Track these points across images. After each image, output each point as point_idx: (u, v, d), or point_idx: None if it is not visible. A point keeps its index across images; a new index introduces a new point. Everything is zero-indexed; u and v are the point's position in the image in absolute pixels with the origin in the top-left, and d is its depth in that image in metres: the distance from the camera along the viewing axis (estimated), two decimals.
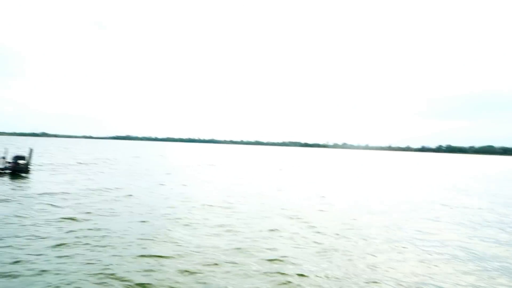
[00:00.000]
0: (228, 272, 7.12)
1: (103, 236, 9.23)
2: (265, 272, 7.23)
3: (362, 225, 11.78)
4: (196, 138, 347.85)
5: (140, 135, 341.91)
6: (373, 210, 14.49)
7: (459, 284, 7.00)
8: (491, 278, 7.37)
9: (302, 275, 7.14)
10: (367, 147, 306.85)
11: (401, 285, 6.78)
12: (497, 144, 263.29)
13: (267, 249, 8.71)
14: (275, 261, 7.86)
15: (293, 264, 7.72)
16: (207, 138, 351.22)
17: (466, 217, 13.61)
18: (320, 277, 7.07)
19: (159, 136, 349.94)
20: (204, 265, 7.48)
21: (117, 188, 17.76)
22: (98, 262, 7.46)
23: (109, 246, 8.47)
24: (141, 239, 9.10)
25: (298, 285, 6.70)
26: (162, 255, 8.01)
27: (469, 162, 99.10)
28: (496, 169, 60.70)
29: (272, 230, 10.53)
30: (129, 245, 8.51)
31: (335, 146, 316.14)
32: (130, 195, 15.55)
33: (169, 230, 10.04)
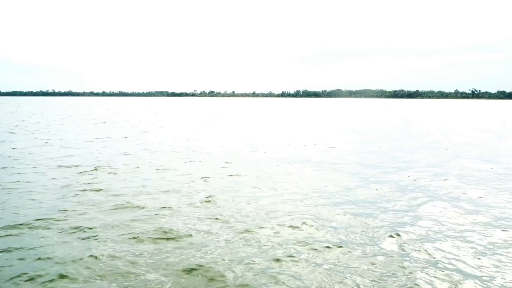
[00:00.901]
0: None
1: None
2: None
3: (238, 165, 12.35)
4: (50, 90, 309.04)
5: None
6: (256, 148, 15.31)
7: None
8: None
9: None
10: (233, 94, 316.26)
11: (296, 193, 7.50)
12: (344, 88, 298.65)
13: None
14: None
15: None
16: (63, 90, 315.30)
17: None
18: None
19: (2, 90, 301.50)
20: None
21: None
22: None
23: None
24: None
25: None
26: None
27: (324, 105, 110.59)
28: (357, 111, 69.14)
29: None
30: None
31: (202, 94, 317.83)
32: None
33: None
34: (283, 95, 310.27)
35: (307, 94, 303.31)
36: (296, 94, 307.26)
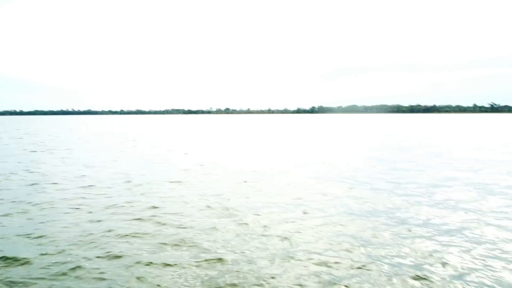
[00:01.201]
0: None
1: None
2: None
3: (255, 185, 12.15)
4: (70, 109, 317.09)
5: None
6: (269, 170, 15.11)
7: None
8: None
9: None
10: (248, 111, 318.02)
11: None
12: (360, 103, 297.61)
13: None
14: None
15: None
16: (82, 109, 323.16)
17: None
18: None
19: (25, 110, 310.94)
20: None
21: None
22: None
23: None
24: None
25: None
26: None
27: (340, 121, 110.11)
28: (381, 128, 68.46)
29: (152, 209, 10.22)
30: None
31: (218, 111, 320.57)
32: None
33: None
34: (298, 111, 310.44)
35: (323, 110, 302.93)
36: (312, 111, 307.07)
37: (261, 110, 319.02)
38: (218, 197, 11.14)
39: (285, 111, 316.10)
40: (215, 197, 11.08)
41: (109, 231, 7.98)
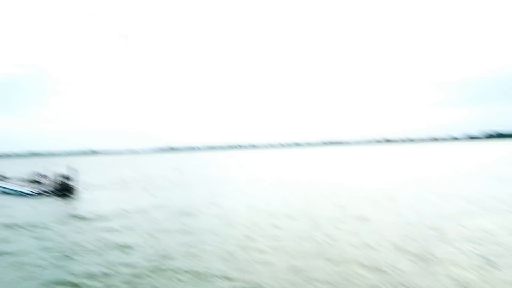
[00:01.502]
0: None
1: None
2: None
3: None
4: (236, 144, 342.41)
5: (182, 145, 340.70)
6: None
7: None
8: None
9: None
10: (409, 140, 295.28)
11: None
12: None
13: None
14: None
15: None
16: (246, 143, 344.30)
17: None
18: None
19: (200, 145, 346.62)
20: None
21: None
22: None
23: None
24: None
25: None
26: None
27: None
28: None
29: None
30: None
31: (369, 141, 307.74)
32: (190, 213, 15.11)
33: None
34: (463, 138, 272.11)
35: (499, 135, 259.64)
36: (483, 137, 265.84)
37: (422, 138, 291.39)
38: (412, 240, 10.55)
39: (437, 139, 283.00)
40: (408, 240, 10.51)
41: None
